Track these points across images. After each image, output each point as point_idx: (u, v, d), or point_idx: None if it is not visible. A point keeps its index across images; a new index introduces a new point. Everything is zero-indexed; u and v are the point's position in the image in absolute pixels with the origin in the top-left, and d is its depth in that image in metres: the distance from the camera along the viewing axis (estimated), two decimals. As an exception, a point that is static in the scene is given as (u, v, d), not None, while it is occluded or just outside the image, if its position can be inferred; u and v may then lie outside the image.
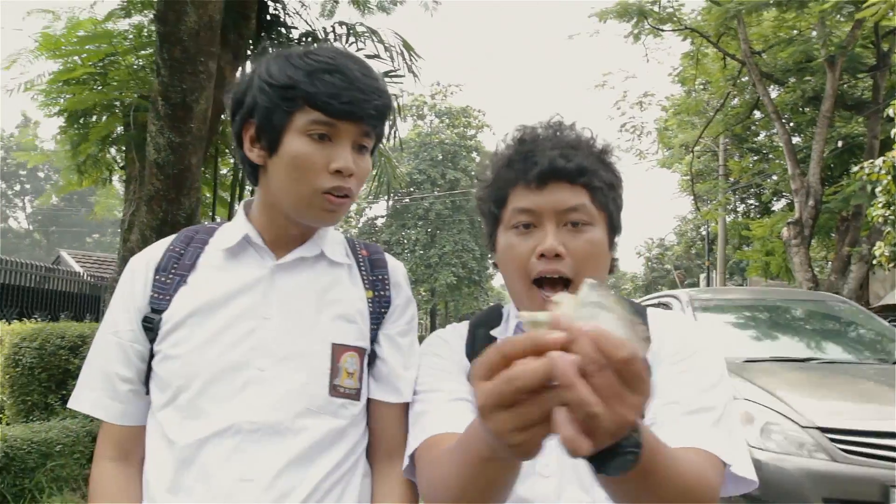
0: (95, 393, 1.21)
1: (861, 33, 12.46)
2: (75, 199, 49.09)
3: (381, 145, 1.06)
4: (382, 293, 1.30)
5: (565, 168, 1.11)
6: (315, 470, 1.16)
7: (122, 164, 6.89)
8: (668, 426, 1.02)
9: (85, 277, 14.69)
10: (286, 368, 1.16)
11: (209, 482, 1.11)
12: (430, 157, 37.52)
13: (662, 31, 15.98)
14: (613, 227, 1.16)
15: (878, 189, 8.09)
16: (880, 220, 8.14)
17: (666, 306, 5.68)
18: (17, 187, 52.67)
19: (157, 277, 1.21)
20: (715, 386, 1.07)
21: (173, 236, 1.29)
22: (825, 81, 13.14)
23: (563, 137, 1.16)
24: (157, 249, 1.26)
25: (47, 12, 6.18)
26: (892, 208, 7.94)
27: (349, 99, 1.12)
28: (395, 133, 7.84)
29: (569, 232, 1.11)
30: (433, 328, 35.31)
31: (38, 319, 8.97)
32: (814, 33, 13.51)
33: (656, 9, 15.29)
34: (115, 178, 7.56)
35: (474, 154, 39.35)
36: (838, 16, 12.03)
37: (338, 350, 1.20)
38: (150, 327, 1.18)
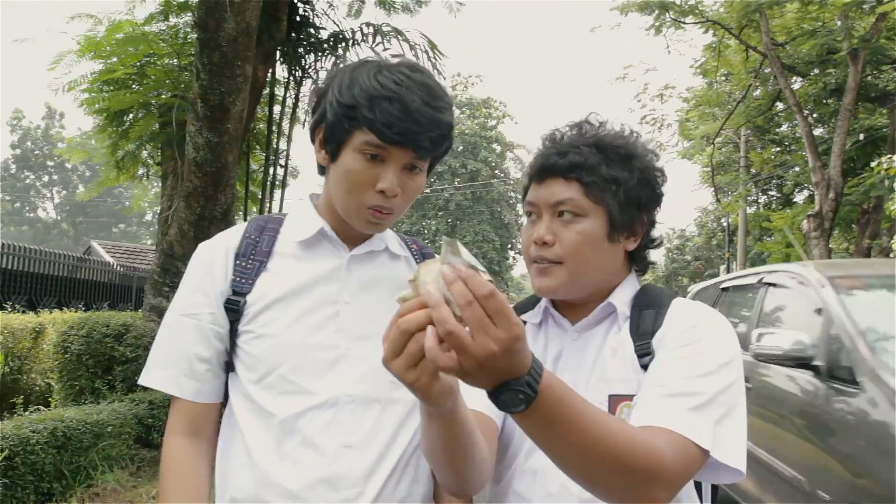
0: (169, 371, 1.27)
1: (885, 25, 12.41)
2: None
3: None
4: None
5: (557, 164, 1.21)
6: (402, 437, 1.27)
7: (158, 161, 7.17)
8: (642, 406, 1.07)
9: (116, 267, 15.09)
10: (369, 347, 1.24)
11: (314, 449, 1.20)
12: (451, 147, 37.63)
13: (684, 23, 15.98)
14: (613, 221, 1.20)
15: (895, 184, 8.16)
16: (895, 213, 8.24)
17: (776, 287, 4.25)
18: (45, 178, 53.64)
19: (238, 262, 1.28)
20: (710, 374, 1.08)
21: (243, 225, 1.36)
22: (847, 74, 13.12)
23: (579, 137, 1.24)
24: (233, 237, 1.33)
25: (90, 16, 6.46)
26: (909, 202, 8.02)
27: (402, 130, 1.17)
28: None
29: (561, 223, 1.20)
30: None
31: (77, 309, 9.35)
32: (838, 23, 13.45)
33: (678, 1, 15.32)
34: (151, 172, 7.85)
35: (495, 145, 39.41)
36: (861, 9, 11.97)
37: None
38: (235, 309, 1.26)
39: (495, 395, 0.80)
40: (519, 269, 47.15)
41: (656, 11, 15.40)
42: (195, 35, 6.83)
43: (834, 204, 12.84)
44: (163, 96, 6.68)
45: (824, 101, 16.19)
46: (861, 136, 13.71)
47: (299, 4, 6.96)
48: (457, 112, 38.91)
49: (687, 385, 1.06)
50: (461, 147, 37.53)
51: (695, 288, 6.18)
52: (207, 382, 1.28)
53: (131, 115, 6.92)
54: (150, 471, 4.80)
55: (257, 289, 1.26)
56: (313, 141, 1.31)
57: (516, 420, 0.85)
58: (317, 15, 7.20)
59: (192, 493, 1.23)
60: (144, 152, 7.41)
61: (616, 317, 1.23)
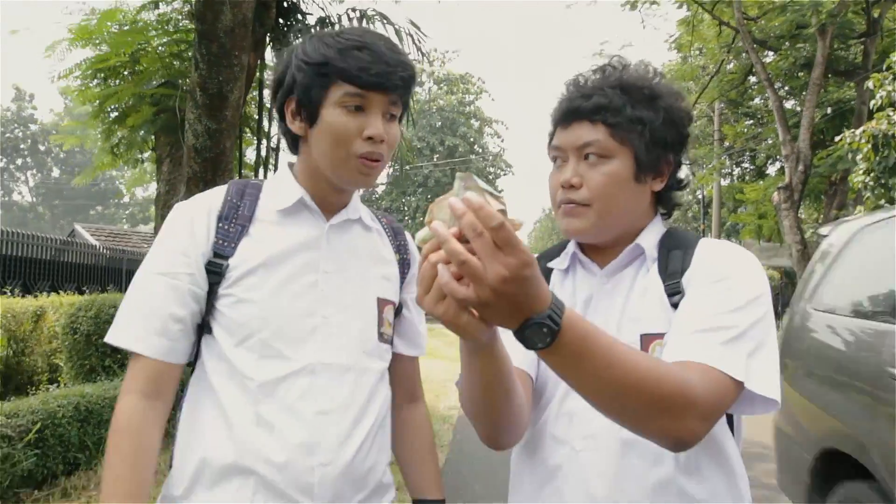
0: (139, 330, 1.23)
1: (852, 0, 12.80)
2: (76, 171, 49.44)
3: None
4: (405, 256, 1.47)
5: (582, 107, 1.19)
6: (374, 406, 1.32)
7: (152, 147, 7.36)
8: (674, 342, 1.07)
9: (102, 250, 15.20)
10: (346, 316, 1.30)
11: (292, 414, 1.22)
12: (429, 124, 37.73)
13: (658, 0, 16.30)
14: (640, 161, 1.19)
15: (858, 157, 8.59)
16: (860, 185, 8.67)
17: None
18: (19, 161, 52.88)
19: (221, 225, 1.28)
20: (739, 308, 1.07)
21: (224, 187, 1.35)
22: (817, 49, 13.52)
23: (603, 80, 1.23)
24: (216, 198, 1.32)
25: (84, 6, 6.61)
26: (871, 175, 8.46)
27: (377, 71, 1.22)
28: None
29: (587, 165, 1.19)
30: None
31: (71, 292, 9.53)
32: (807, -1, 13.83)
33: (653, -23, 15.63)
34: (146, 157, 8.03)
35: (473, 120, 39.56)
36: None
37: (381, 303, 1.37)
38: (217, 271, 1.25)
39: (520, 333, 0.82)
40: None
41: (632, -12, 15.71)
42: (192, 26, 7.01)
43: (803, 176, 13.31)
44: (155, 85, 6.86)
45: (795, 74, 16.62)
46: (829, 110, 14.12)
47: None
48: (434, 87, 39.06)
49: (717, 320, 1.06)
50: (439, 123, 37.65)
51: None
52: (179, 342, 1.25)
53: (124, 103, 7.09)
54: (164, 441, 5.08)
55: (239, 253, 1.26)
56: (283, 118, 1.33)
57: (544, 359, 0.87)
58: (304, 1, 7.40)
59: (146, 460, 1.21)
60: (139, 137, 7.58)
61: (644, 259, 1.23)
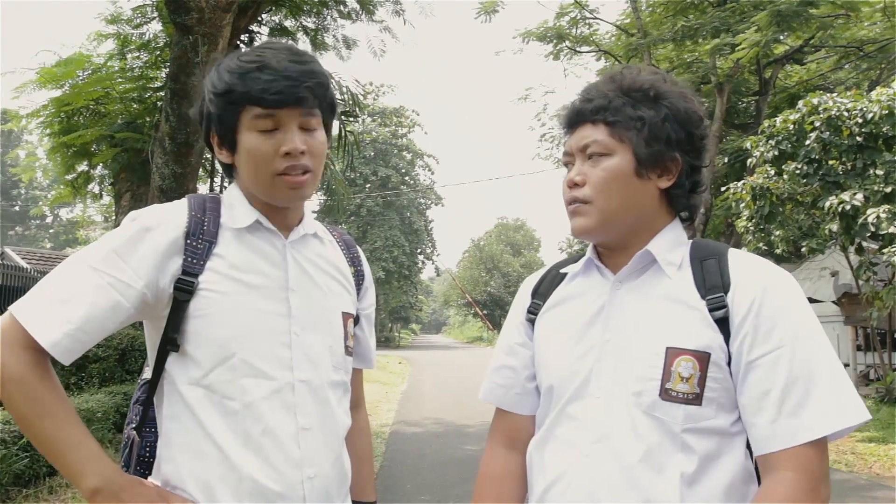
0: (44, 314, 1.15)
1: (744, 62, 14.39)
2: (-5, 190, 47.75)
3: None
4: (359, 268, 1.48)
5: (583, 109, 1.23)
6: (343, 415, 1.36)
7: (112, 181, 7.95)
8: (760, 428, 1.11)
9: (32, 273, 15.23)
10: (316, 333, 1.30)
11: (278, 433, 1.23)
12: (362, 154, 38.43)
13: (580, 52, 17.74)
14: (639, 156, 1.19)
15: (742, 206, 9.95)
16: (742, 229, 10.03)
17: None
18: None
19: (189, 242, 1.24)
20: (809, 361, 1.10)
21: (183, 202, 1.31)
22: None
23: (607, 85, 1.25)
24: (180, 213, 1.27)
25: (52, 52, 7.24)
26: (752, 221, 9.81)
27: (279, 90, 1.20)
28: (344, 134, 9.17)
29: (591, 164, 1.22)
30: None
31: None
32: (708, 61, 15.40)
33: (574, 32, 17.03)
34: (104, 190, 8.57)
35: (405, 153, 40.54)
36: (721, 53, 13.87)
37: (345, 316, 1.38)
38: (187, 289, 1.21)
39: None
40: (427, 273, 48.48)
41: (554, 41, 17.05)
42: (153, 74, 7.71)
43: (704, 217, 14.79)
44: (118, 126, 7.50)
45: (701, 123, 18.22)
46: (726, 160, 15.72)
47: (242, 47, 7.93)
48: (368, 120, 39.84)
49: (789, 384, 1.10)
50: (373, 153, 38.42)
51: None
52: (80, 344, 1.17)
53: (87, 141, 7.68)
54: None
55: (208, 270, 1.24)
56: (212, 150, 1.32)
57: None
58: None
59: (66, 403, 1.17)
60: (95, 173, 8.15)
61: (658, 265, 1.21)
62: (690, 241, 1.25)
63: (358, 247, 1.52)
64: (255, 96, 1.20)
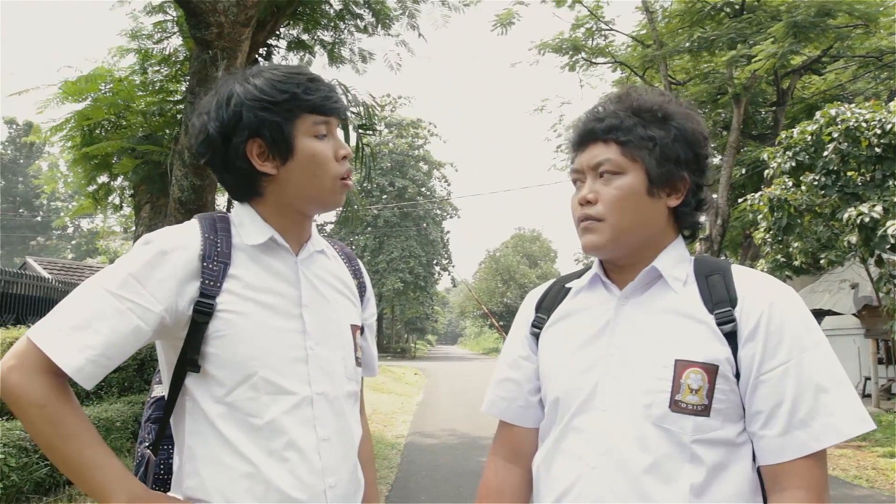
0: (64, 340, 1.15)
1: (761, 73, 14.35)
2: (18, 200, 48.48)
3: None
4: (361, 280, 1.52)
5: (595, 128, 1.26)
6: (356, 425, 1.40)
7: (132, 193, 8.07)
8: (768, 442, 1.15)
9: (54, 283, 15.44)
10: (330, 347, 1.34)
11: (302, 445, 1.26)
12: (379, 166, 38.66)
13: (595, 63, 17.77)
14: (651, 176, 1.22)
15: (759, 217, 9.88)
16: (760, 241, 9.96)
17: None
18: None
19: (206, 265, 1.25)
20: (815, 377, 1.13)
21: (193, 223, 1.32)
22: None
23: (616, 105, 1.28)
24: (193, 236, 1.28)
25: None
26: (770, 232, 9.74)
27: (335, 98, 1.32)
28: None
29: (602, 182, 1.24)
30: (379, 332, 36.51)
31: (8, 327, 9.99)
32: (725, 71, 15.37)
33: (589, 44, 17.08)
34: (124, 202, 8.69)
35: (422, 164, 40.72)
36: (738, 64, 13.83)
37: (353, 328, 1.42)
38: (207, 311, 1.23)
39: None
40: (443, 283, 48.56)
41: (570, 52, 17.11)
42: (172, 87, 7.83)
43: (721, 229, 14.70)
44: (138, 138, 7.62)
45: (719, 134, 18.20)
46: (744, 171, 15.63)
47: (260, 60, 8.03)
48: (385, 131, 40.14)
49: (798, 396, 1.13)
50: (390, 165, 38.61)
51: None
52: (101, 369, 1.17)
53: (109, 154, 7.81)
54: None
55: (225, 291, 1.25)
56: (242, 164, 1.29)
57: None
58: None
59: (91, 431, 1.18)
60: (116, 184, 8.28)
61: (664, 281, 1.24)
62: (693, 257, 1.28)
63: (358, 259, 1.57)
64: (316, 104, 1.29)
